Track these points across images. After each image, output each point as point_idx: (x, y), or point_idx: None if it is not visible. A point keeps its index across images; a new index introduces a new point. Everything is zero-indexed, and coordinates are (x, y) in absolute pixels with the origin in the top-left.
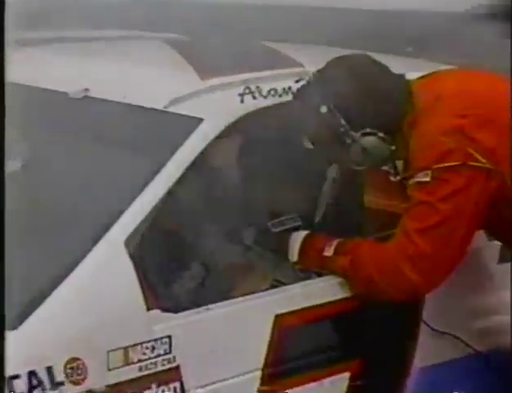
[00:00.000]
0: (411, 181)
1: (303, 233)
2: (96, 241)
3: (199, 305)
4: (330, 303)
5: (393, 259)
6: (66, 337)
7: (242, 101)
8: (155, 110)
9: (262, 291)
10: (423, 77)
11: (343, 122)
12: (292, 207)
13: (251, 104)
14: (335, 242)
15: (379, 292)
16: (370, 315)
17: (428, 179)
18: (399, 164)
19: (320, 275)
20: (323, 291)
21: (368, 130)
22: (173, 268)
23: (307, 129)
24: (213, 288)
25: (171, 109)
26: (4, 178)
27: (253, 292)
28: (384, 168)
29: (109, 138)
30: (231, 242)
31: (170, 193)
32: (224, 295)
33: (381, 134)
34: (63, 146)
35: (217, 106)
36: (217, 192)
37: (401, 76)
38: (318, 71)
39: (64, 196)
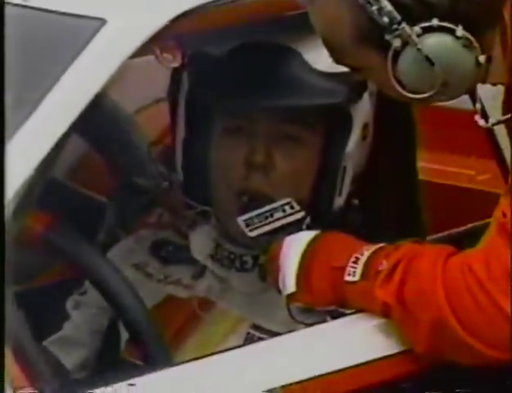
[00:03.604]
0: None
1: (305, 237)
2: None
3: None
4: (359, 368)
5: (483, 283)
6: None
7: None
8: None
9: (231, 349)
10: None
11: (384, 3)
12: (284, 185)
13: None
14: (367, 253)
15: (457, 347)
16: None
17: None
18: (495, 93)
19: (338, 316)
20: (345, 346)
21: (435, 22)
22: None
23: (313, 20)
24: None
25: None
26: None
27: (213, 353)
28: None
29: None
30: (157, 255)
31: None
32: (158, 360)
33: (461, 31)
34: None
35: None
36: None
37: None
38: None
39: None
